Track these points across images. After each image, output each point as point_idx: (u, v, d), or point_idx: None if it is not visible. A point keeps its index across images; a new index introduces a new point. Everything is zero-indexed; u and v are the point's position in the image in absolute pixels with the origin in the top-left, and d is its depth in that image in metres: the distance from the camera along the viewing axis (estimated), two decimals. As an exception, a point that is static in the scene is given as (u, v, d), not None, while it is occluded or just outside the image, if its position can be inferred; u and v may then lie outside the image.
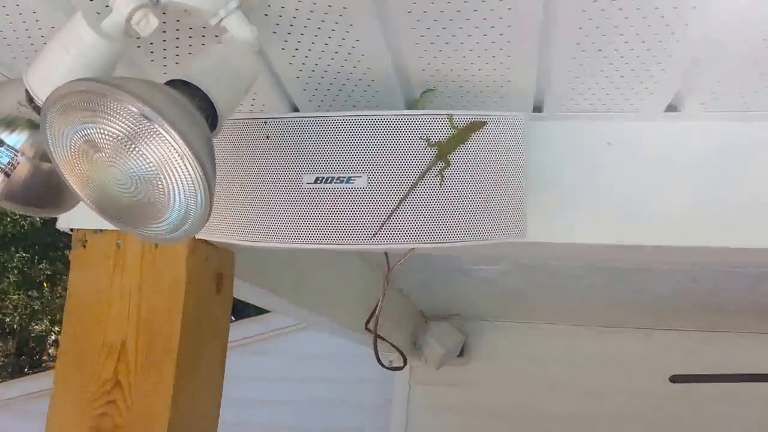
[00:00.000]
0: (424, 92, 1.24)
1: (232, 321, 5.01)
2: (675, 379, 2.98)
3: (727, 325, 3.81)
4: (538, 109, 1.33)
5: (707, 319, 3.69)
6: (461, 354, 4.26)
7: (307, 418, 4.60)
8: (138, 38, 0.98)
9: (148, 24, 0.91)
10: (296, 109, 1.37)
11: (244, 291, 1.93)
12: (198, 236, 1.26)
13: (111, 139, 0.82)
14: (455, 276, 2.94)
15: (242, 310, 5.53)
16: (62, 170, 0.89)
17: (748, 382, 3.05)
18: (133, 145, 0.82)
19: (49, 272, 11.10)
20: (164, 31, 1.11)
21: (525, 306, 3.80)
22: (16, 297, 11.07)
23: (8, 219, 10.31)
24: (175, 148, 0.81)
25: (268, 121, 1.18)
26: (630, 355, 4.06)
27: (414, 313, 4.04)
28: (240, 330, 4.75)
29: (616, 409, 3.99)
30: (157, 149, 0.81)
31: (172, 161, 0.82)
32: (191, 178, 0.83)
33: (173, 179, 0.83)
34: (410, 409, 4.33)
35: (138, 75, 1.25)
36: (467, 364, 4.32)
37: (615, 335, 4.11)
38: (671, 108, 1.29)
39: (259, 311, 4.46)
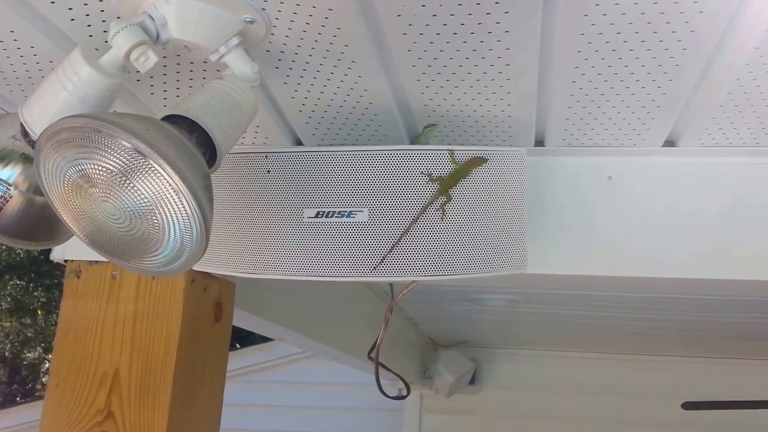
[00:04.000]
0: (425, 127, 1.24)
1: (237, 349, 5.00)
2: (687, 405, 2.96)
3: (740, 352, 3.82)
4: (540, 143, 1.35)
5: (720, 346, 3.69)
6: (472, 382, 4.26)
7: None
8: (137, 73, 0.98)
9: (147, 60, 0.91)
10: (299, 143, 1.38)
11: (246, 320, 1.93)
12: (197, 268, 1.25)
13: (105, 173, 0.82)
14: (465, 305, 2.95)
15: (248, 338, 5.50)
16: (55, 204, 0.89)
17: (760, 408, 3.03)
18: (127, 181, 0.82)
19: (44, 300, 11.06)
20: (165, 65, 1.12)
21: (535, 334, 3.80)
22: (8, 324, 11.01)
23: (3, 247, 10.32)
24: (170, 184, 0.81)
25: (269, 155, 1.18)
26: (642, 382, 4.08)
27: (424, 341, 4.04)
28: (246, 358, 4.71)
29: (629, 436, 3.97)
30: (152, 185, 0.81)
31: (167, 197, 0.81)
32: (187, 213, 0.82)
33: (168, 214, 0.83)
34: (422, 438, 4.31)
35: (139, 108, 1.26)
36: (478, 392, 4.32)
37: (627, 362, 4.13)
38: (669, 143, 1.32)
39: (265, 339, 4.44)
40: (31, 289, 11.07)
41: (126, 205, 0.84)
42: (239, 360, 4.68)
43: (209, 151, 0.93)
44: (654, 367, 4.08)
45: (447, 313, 3.25)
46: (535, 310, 2.94)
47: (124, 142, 0.80)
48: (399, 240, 1.12)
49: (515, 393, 4.24)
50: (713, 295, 2.09)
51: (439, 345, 4.16)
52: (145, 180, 0.81)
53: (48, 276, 10.94)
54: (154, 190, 0.81)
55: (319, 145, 1.36)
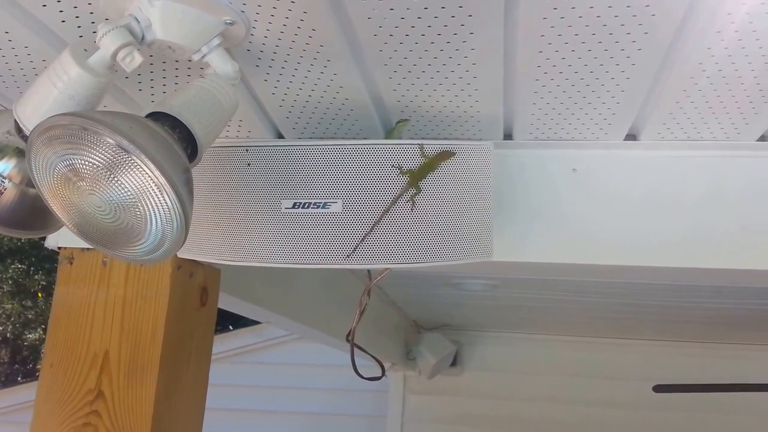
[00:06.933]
0: (398, 122, 1.30)
1: (230, 330, 5.07)
2: (658, 388, 3.04)
3: (709, 336, 3.92)
4: (509, 136, 1.40)
5: (690, 330, 3.79)
6: (454, 363, 4.37)
7: (303, 428, 4.65)
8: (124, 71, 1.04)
9: (133, 61, 0.96)
10: (281, 136, 1.44)
11: (233, 304, 1.99)
12: (184, 256, 1.32)
13: (92, 168, 0.87)
14: (445, 289, 3.01)
15: (240, 320, 5.57)
16: (46, 196, 0.95)
17: (729, 391, 3.12)
18: (112, 175, 0.87)
19: (44, 283, 11.15)
20: (152, 64, 1.18)
21: (515, 317, 3.90)
22: (10, 306, 11.12)
23: (5, 233, 10.41)
24: (152, 178, 0.86)
25: (249, 149, 1.24)
26: (616, 365, 4.22)
27: (407, 324, 4.13)
28: (237, 340, 4.81)
29: (603, 418, 4.15)
30: (135, 179, 0.87)
31: (149, 190, 0.87)
32: (168, 206, 0.88)
33: (150, 207, 0.88)
34: (405, 418, 4.43)
35: (127, 103, 1.32)
36: (460, 374, 4.44)
37: (602, 345, 4.26)
38: (631, 137, 1.37)
39: (257, 321, 4.52)
40: (31, 272, 11.18)
41: (111, 198, 0.89)
42: (231, 341, 4.78)
43: (190, 146, 0.98)
44: (630, 350, 4.20)
45: (429, 297, 3.32)
46: (513, 294, 3.01)
47: (108, 139, 0.85)
48: (371, 230, 1.18)
49: (495, 375, 4.36)
50: (676, 282, 2.15)
51: (422, 327, 4.26)
52: (128, 174, 0.87)
53: (48, 260, 11.03)
54: (137, 184, 0.87)
55: (300, 138, 1.42)
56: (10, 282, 11.05)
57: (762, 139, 1.35)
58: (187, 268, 1.49)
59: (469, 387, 4.40)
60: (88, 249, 1.50)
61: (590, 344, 4.24)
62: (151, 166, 0.85)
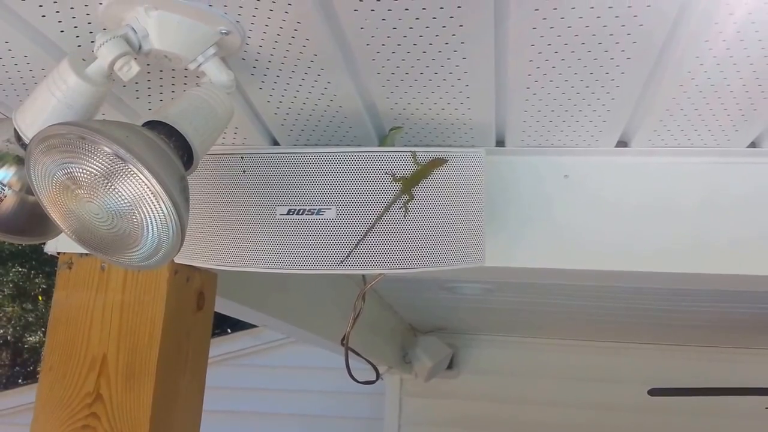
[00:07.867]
0: (391, 129, 1.32)
1: (228, 333, 5.08)
2: (653, 392, 3.06)
3: (704, 340, 3.94)
4: (501, 143, 1.42)
5: (685, 334, 3.81)
6: (450, 367, 4.40)
7: (300, 430, 4.68)
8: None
9: (130, 70, 0.98)
10: (276, 143, 1.46)
11: (229, 308, 2.00)
12: (180, 261, 1.34)
13: (89, 176, 0.89)
14: (441, 293, 3.03)
15: (238, 323, 5.59)
16: (44, 204, 0.96)
17: (725, 395, 3.14)
18: (109, 183, 0.89)
19: (44, 286, 11.19)
20: (149, 73, 1.19)
21: (511, 321, 3.92)
22: (10, 309, 11.16)
23: (5, 238, 10.48)
24: (148, 186, 0.88)
25: (244, 156, 1.25)
26: (611, 369, 4.25)
27: (404, 327, 4.15)
28: (234, 343, 4.83)
29: (599, 421, 4.18)
30: (132, 187, 0.88)
31: (145, 198, 0.89)
32: (164, 213, 0.90)
33: (147, 214, 0.90)
34: (402, 420, 4.45)
35: (125, 111, 1.34)
36: (456, 377, 4.46)
37: (597, 349, 4.29)
38: (622, 143, 1.39)
39: (254, 324, 4.54)
40: (32, 275, 11.23)
41: (108, 206, 0.91)
42: (229, 345, 4.81)
43: (186, 154, 1.00)
44: (625, 354, 4.22)
45: (425, 300, 3.34)
46: (509, 298, 3.03)
47: (105, 148, 0.87)
48: (364, 236, 1.20)
49: (491, 378, 4.38)
50: (669, 286, 2.17)
51: (419, 331, 4.28)
52: (125, 183, 0.88)
53: (49, 264, 11.08)
54: (134, 192, 0.89)
55: (295, 145, 1.44)
56: (11, 285, 11.11)
57: (752, 145, 1.36)
58: (183, 273, 1.51)
59: (465, 390, 4.42)
60: (86, 254, 1.52)
61: (586, 347, 4.26)
62: (147, 174, 0.87)
